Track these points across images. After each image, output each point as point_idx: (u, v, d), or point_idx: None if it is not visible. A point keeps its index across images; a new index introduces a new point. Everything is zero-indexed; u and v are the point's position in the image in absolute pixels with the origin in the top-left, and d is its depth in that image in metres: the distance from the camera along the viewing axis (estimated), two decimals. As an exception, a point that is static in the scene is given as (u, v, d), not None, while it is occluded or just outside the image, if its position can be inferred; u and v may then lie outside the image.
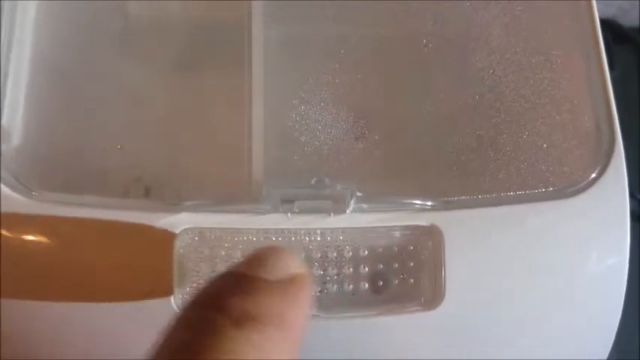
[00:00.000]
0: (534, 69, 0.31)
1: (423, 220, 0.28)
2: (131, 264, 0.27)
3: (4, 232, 0.27)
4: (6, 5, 0.30)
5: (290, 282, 0.18)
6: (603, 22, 0.31)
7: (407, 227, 0.28)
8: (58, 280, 0.27)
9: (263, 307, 0.17)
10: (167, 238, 0.27)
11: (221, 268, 0.27)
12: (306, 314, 0.18)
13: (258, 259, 0.19)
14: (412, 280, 0.28)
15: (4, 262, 0.26)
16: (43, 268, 0.27)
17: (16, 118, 0.29)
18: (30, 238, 0.27)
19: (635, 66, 0.51)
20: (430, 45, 0.31)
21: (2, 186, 0.27)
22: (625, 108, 0.31)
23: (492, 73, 0.31)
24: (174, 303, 0.27)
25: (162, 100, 0.30)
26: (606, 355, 0.29)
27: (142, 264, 0.27)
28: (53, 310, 0.26)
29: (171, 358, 0.16)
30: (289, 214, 0.27)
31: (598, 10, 0.31)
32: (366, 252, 0.28)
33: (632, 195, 0.29)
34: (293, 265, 0.19)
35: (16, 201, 0.27)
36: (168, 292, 0.27)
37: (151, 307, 0.26)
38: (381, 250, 0.28)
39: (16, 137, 0.29)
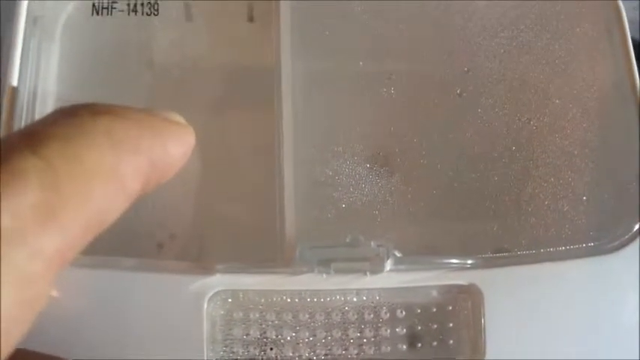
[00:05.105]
0: (572, 118, 0.30)
1: (461, 279, 0.27)
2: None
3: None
4: (29, 58, 0.30)
5: None
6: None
7: (445, 287, 0.27)
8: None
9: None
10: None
11: (255, 331, 0.27)
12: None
13: None
14: (451, 341, 0.27)
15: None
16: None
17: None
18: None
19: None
20: (464, 94, 0.30)
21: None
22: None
23: (529, 122, 0.30)
24: (207, 368, 0.26)
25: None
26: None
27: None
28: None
29: None
30: (324, 275, 0.27)
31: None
32: (404, 313, 0.27)
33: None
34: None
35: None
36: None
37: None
38: (419, 310, 0.27)
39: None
